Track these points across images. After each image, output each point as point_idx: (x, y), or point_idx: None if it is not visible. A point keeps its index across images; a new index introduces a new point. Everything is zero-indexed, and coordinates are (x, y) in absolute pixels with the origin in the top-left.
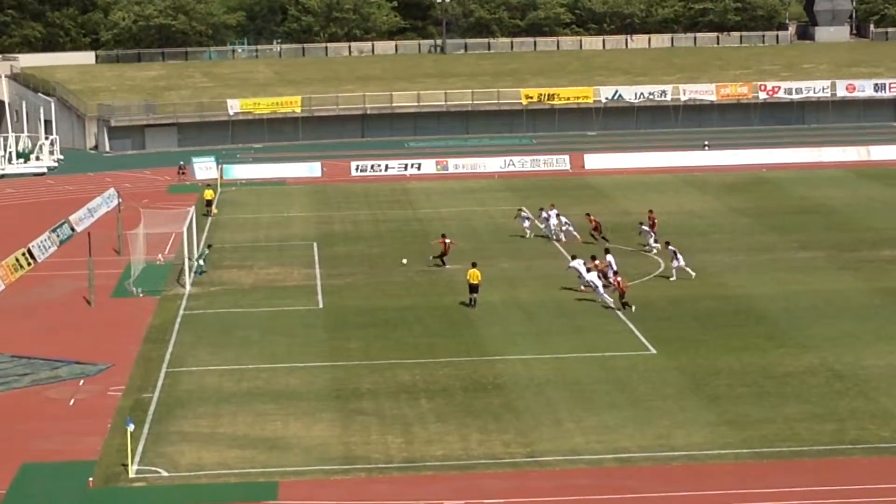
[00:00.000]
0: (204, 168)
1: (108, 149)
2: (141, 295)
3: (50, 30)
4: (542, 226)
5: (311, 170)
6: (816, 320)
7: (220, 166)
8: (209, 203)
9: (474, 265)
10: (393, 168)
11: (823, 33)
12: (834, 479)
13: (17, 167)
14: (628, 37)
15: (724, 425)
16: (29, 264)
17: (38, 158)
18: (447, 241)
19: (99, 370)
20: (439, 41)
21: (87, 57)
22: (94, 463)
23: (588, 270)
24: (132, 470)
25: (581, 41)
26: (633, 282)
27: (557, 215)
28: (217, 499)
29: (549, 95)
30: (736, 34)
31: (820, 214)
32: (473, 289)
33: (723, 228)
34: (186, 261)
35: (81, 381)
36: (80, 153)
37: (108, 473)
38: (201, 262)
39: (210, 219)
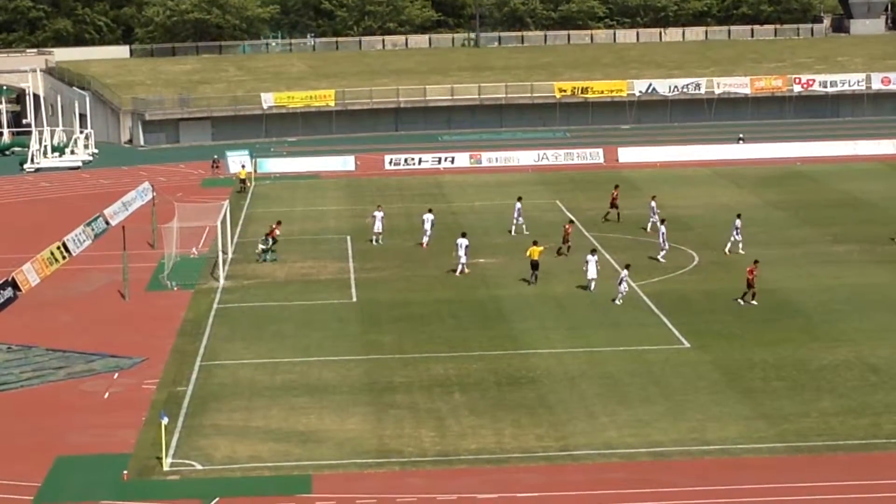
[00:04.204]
0: (238, 163)
1: (142, 142)
2: (175, 288)
3: (80, 26)
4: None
5: (344, 163)
6: (851, 314)
7: (254, 160)
8: (243, 181)
9: (535, 243)
10: (426, 161)
11: (858, 26)
12: (869, 473)
13: (52, 161)
14: (662, 30)
15: (758, 419)
16: (64, 258)
17: (72, 152)
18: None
19: (133, 363)
20: (473, 34)
21: (121, 51)
22: (129, 456)
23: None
24: (166, 463)
25: (615, 34)
26: (666, 276)
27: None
28: (251, 492)
29: (582, 89)
30: (770, 27)
31: (855, 208)
32: (534, 265)
33: (757, 222)
34: (220, 254)
35: (116, 375)
36: (114, 147)
37: (142, 466)
38: (266, 248)
39: (247, 203)
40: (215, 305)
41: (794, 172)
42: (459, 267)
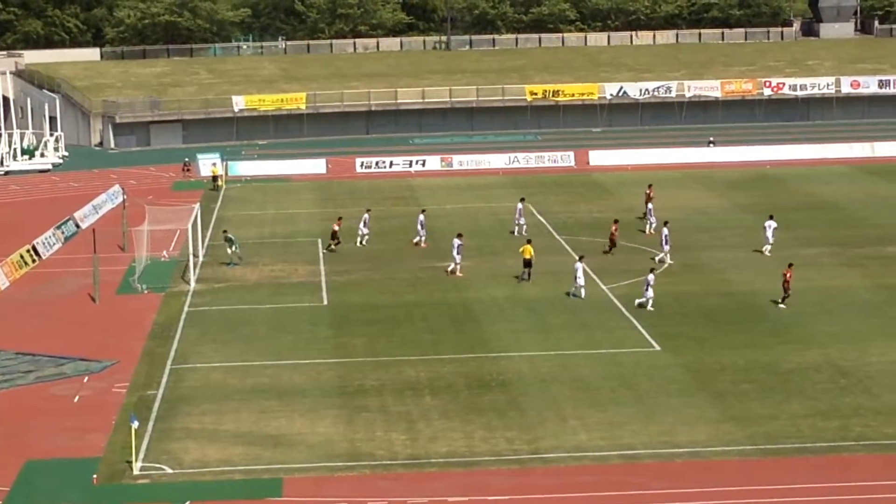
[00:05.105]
0: (208, 165)
1: (112, 145)
2: (146, 291)
3: (50, 28)
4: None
5: (315, 166)
6: (821, 317)
7: (225, 163)
8: (216, 178)
9: (529, 242)
10: (398, 165)
11: (828, 30)
12: (837, 475)
13: (22, 164)
14: (633, 33)
15: (728, 422)
16: (34, 261)
17: (42, 155)
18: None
19: (103, 367)
20: (444, 38)
21: (91, 53)
22: (99, 460)
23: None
24: (136, 467)
25: (586, 37)
26: (637, 279)
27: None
28: (221, 496)
29: (553, 92)
30: (740, 30)
31: (824, 211)
32: (526, 263)
33: (727, 225)
34: (191, 257)
35: (86, 378)
36: (84, 150)
37: (112, 470)
38: (233, 249)
39: (217, 205)
40: (186, 308)
41: (765, 175)
42: (452, 266)
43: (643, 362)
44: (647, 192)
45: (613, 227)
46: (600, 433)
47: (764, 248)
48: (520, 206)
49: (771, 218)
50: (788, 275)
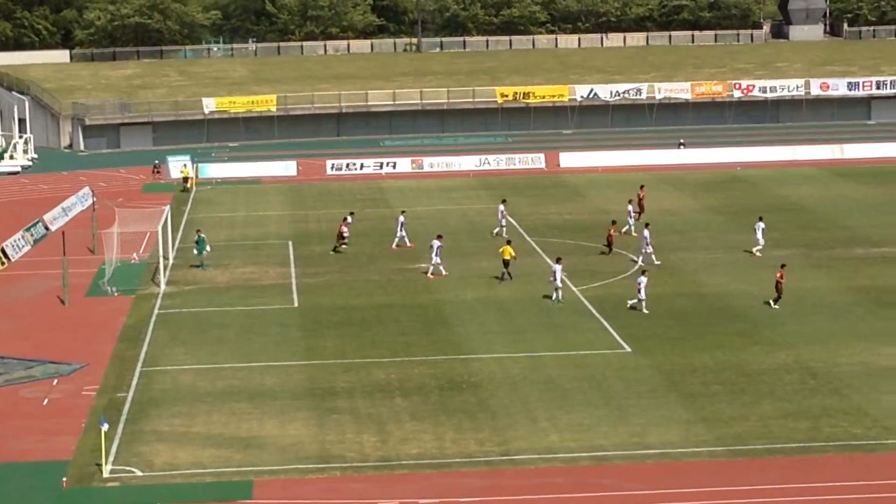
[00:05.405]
0: (178, 168)
1: (82, 147)
2: (115, 294)
3: (20, 30)
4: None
5: (286, 168)
6: (790, 318)
7: (195, 165)
8: (186, 179)
9: (509, 242)
10: (368, 167)
11: (797, 32)
12: (807, 476)
13: None
14: (603, 35)
15: (698, 423)
16: (3, 263)
17: (11, 157)
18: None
19: (73, 369)
20: (415, 40)
21: (61, 55)
22: (68, 463)
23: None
24: (106, 470)
25: (556, 40)
26: (607, 280)
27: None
28: (192, 498)
29: (524, 94)
30: (710, 33)
31: (794, 213)
32: (505, 264)
33: (698, 226)
34: (161, 259)
35: (55, 381)
36: (54, 152)
37: (81, 473)
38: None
39: (188, 208)
40: (156, 311)
41: (735, 177)
42: (430, 268)
43: (614, 364)
44: (640, 192)
45: (611, 229)
46: (571, 434)
47: (754, 249)
48: (501, 207)
49: (761, 220)
50: (781, 276)
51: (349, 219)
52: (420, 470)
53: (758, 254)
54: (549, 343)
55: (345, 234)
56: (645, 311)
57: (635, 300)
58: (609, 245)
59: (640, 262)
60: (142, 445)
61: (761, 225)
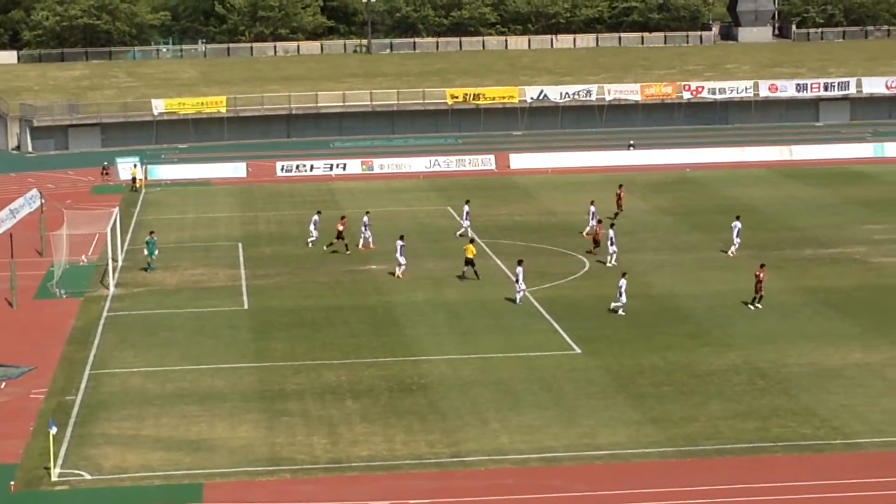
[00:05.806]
0: (128, 169)
1: (30, 149)
2: (64, 296)
3: None
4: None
5: (236, 170)
6: (740, 319)
7: (144, 167)
8: (134, 179)
9: (472, 241)
10: (318, 168)
11: (746, 34)
12: (756, 476)
13: None
14: (553, 36)
15: (648, 424)
16: None
17: None
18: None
19: (21, 372)
20: (365, 41)
21: (8, 56)
22: (16, 466)
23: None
24: (55, 473)
25: (506, 41)
26: (557, 282)
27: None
28: (141, 501)
29: (474, 95)
30: (660, 34)
31: (743, 214)
32: (468, 262)
33: (647, 228)
34: (110, 261)
35: (3, 384)
36: (1, 154)
37: (30, 477)
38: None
39: (137, 209)
40: (105, 313)
41: (684, 178)
42: (398, 269)
43: (564, 365)
44: (618, 192)
45: (597, 227)
46: (521, 436)
47: (730, 249)
48: (466, 207)
49: (737, 219)
50: (762, 275)
51: (320, 217)
52: (370, 472)
53: (732, 254)
54: (499, 345)
55: (340, 231)
56: (622, 313)
57: (619, 303)
58: (595, 243)
59: (614, 263)
60: (91, 448)
61: (737, 224)
